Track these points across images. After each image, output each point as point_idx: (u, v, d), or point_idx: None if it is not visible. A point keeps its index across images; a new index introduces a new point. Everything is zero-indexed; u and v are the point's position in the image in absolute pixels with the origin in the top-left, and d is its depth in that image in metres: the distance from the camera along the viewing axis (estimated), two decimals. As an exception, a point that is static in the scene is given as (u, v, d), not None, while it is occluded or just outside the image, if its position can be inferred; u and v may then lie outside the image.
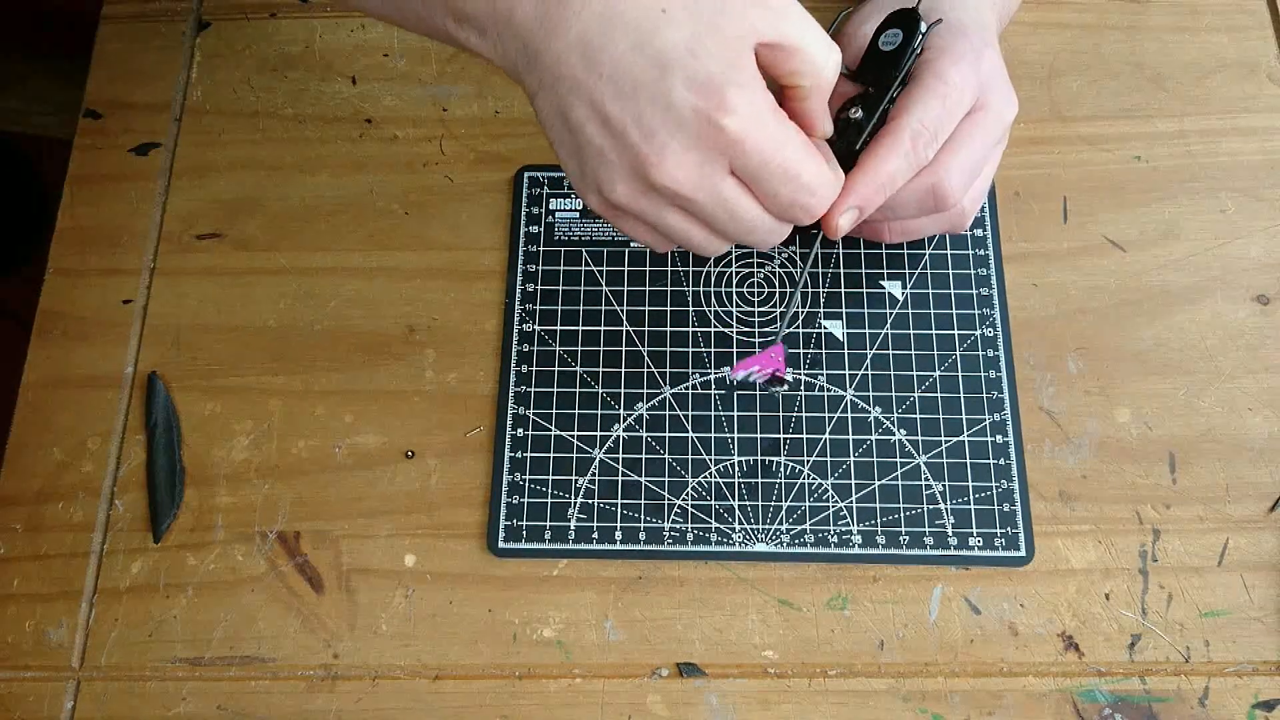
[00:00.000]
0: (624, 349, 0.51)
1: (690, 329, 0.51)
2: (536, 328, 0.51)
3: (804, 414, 0.49)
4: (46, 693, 0.46)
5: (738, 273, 0.52)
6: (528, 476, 0.49)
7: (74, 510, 0.49)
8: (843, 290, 0.52)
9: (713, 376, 0.50)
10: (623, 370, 0.50)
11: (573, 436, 0.49)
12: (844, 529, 0.47)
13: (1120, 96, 0.56)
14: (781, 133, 0.36)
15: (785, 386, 0.49)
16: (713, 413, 0.49)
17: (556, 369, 0.50)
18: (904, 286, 0.51)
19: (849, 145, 0.43)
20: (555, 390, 0.50)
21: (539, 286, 0.52)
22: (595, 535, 0.47)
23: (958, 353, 0.50)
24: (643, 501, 0.48)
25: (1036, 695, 0.45)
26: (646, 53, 0.35)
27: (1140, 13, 0.58)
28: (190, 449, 0.50)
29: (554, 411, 0.50)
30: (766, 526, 0.47)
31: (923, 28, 0.43)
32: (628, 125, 0.35)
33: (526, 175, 0.54)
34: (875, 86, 0.43)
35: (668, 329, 0.51)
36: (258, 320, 0.52)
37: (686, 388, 0.50)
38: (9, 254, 1.21)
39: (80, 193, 0.55)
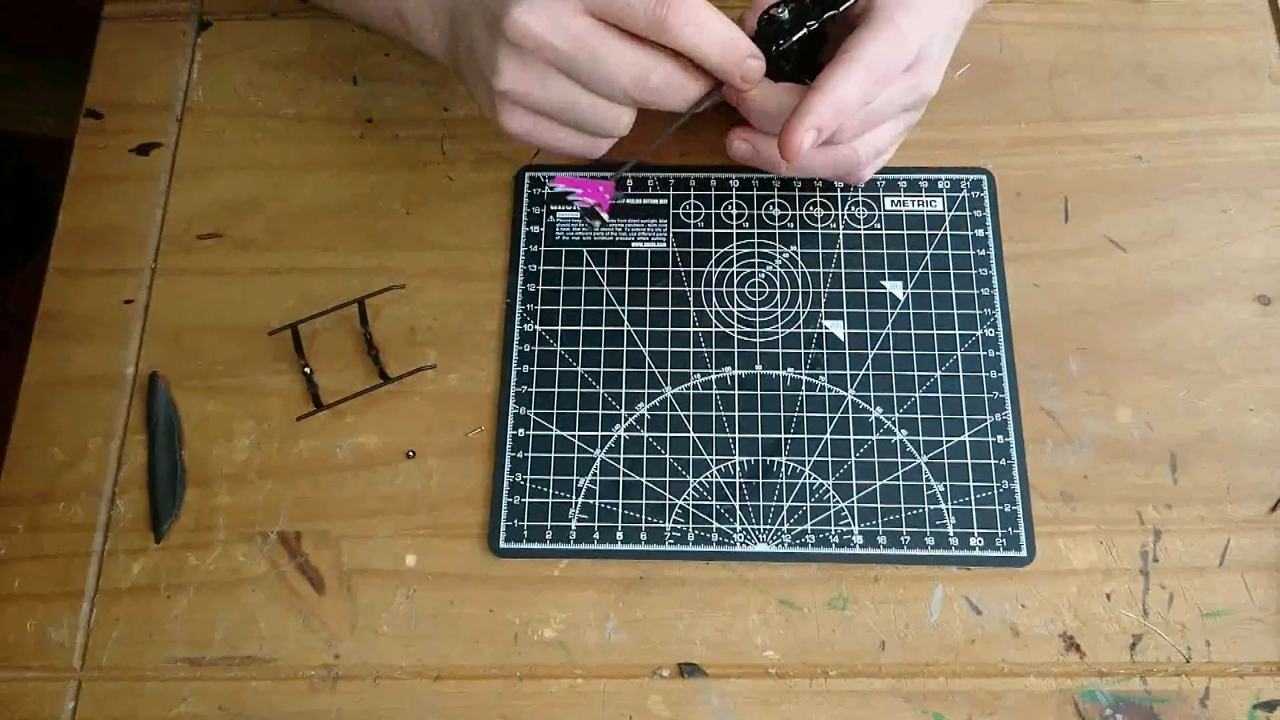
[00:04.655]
0: (625, 349, 0.51)
1: (691, 329, 0.51)
2: (537, 328, 0.51)
3: (805, 414, 0.49)
4: (47, 693, 0.46)
5: (738, 273, 0.52)
6: (529, 476, 0.48)
7: (75, 510, 0.49)
8: (843, 290, 0.52)
9: (714, 376, 0.50)
10: (624, 370, 0.50)
11: (574, 436, 0.49)
12: (845, 529, 0.47)
13: (1121, 96, 0.56)
14: None
15: (600, 224, 0.49)
16: (714, 413, 0.49)
17: (557, 369, 0.50)
18: (905, 286, 0.51)
19: (768, 43, 0.44)
20: (556, 390, 0.50)
21: (540, 286, 0.52)
22: (596, 535, 0.47)
23: (959, 353, 0.50)
24: (644, 501, 0.48)
25: (1038, 695, 0.45)
26: None
27: (1142, 13, 0.58)
28: (191, 449, 0.50)
29: (555, 411, 0.50)
30: (767, 527, 0.47)
31: None
32: (490, 4, 0.40)
33: (528, 175, 0.54)
34: None
35: (669, 329, 0.51)
36: (258, 320, 0.52)
37: (687, 388, 0.50)
38: (9, 254, 1.21)
39: (80, 193, 0.55)
